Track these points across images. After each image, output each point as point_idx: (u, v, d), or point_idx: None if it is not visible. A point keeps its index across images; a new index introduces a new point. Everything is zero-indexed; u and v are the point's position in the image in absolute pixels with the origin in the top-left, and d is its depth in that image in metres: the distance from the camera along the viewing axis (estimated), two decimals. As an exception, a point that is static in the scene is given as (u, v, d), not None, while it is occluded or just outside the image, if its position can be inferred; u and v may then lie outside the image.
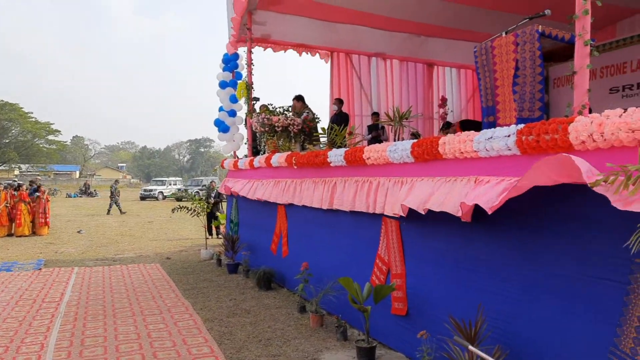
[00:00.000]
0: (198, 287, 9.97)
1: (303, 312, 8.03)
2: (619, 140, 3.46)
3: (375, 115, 12.78)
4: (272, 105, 10.29)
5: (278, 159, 8.96)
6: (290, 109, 10.10)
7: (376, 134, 11.78)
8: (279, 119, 9.42)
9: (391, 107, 13.47)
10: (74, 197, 53.56)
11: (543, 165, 3.65)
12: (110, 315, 7.98)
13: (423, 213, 5.00)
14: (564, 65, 7.81)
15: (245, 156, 11.58)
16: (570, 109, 4.32)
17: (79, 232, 19.75)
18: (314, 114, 9.56)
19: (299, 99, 10.17)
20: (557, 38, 5.23)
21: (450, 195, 4.67)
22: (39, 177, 36.39)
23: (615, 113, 3.56)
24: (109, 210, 30.74)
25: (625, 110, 3.57)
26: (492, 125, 5.42)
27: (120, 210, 31.50)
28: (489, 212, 4.09)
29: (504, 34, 5.44)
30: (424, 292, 5.58)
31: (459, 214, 4.48)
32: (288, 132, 9.56)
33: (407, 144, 5.34)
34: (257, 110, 11.08)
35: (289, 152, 8.71)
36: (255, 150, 11.69)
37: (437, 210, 4.73)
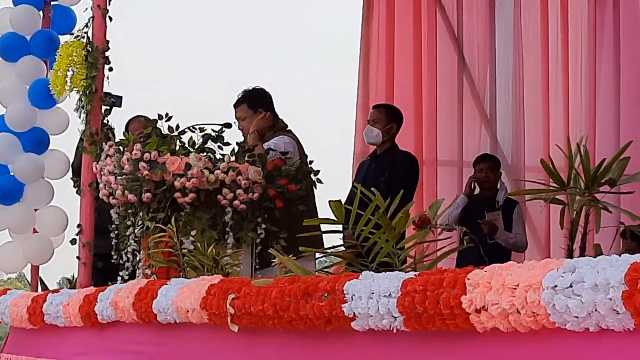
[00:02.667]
0: None
1: None
2: None
3: (488, 162, 7.44)
4: (165, 122, 5.65)
5: (179, 300, 4.40)
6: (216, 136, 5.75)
7: (493, 217, 6.90)
8: (191, 167, 5.18)
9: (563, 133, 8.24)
10: None
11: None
12: None
13: None
14: None
15: (69, 281, 6.83)
16: None
17: None
18: (303, 151, 5.84)
19: (251, 100, 6.02)
20: None
21: None
22: None
23: None
24: None
25: None
26: None
27: None
28: None
29: None
30: None
31: None
32: (219, 209, 5.26)
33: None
34: (117, 136, 6.39)
35: (216, 280, 4.44)
36: (103, 267, 6.45)
37: None
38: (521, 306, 2.42)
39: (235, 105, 5.84)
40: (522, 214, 6.54)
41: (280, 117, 5.88)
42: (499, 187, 6.61)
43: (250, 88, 5.96)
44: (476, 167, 6.75)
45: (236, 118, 5.81)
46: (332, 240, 4.63)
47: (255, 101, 5.85)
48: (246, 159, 5.25)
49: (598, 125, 7.61)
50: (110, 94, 5.94)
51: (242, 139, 5.73)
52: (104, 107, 5.91)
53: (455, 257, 6.16)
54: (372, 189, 4.14)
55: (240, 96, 5.90)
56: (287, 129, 5.83)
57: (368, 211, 3.77)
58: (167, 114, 5.38)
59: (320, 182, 5.46)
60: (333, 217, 4.02)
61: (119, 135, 6.07)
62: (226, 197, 4.97)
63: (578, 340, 2.44)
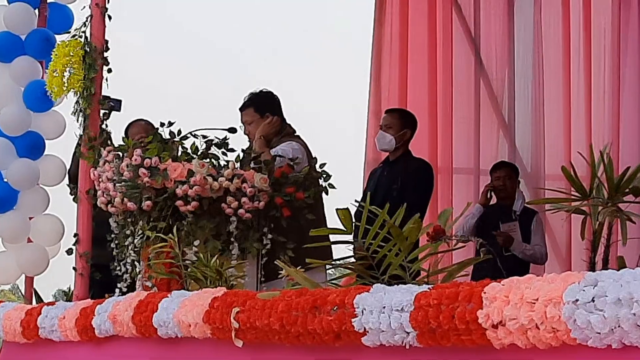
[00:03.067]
0: None
1: None
2: None
3: (505, 169, 7.55)
4: (165, 127, 5.66)
5: (181, 314, 4.34)
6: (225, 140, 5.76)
7: (509, 227, 7.01)
8: (194, 174, 5.16)
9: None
10: None
11: None
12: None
13: None
14: None
15: (65, 293, 6.89)
16: None
17: None
18: (312, 158, 5.80)
19: (258, 103, 6.07)
20: None
21: None
22: None
23: None
24: None
25: None
26: None
27: None
28: None
29: None
30: None
31: None
32: (223, 218, 5.25)
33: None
34: (116, 141, 6.22)
35: (220, 292, 4.41)
36: (100, 278, 6.35)
37: None
38: (540, 321, 2.41)
39: (241, 109, 5.86)
40: (542, 224, 6.50)
41: (288, 121, 5.91)
42: (517, 196, 6.57)
43: (258, 91, 5.97)
44: (493, 174, 6.72)
45: (242, 122, 5.82)
46: (342, 251, 4.60)
47: (262, 105, 5.86)
48: (252, 165, 5.28)
49: (622, 131, 7.56)
50: (109, 97, 5.98)
51: (247, 144, 5.82)
52: (102, 111, 6.03)
53: (471, 270, 6.16)
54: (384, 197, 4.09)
55: (246, 99, 5.90)
56: (295, 134, 5.83)
57: (378, 221, 3.75)
58: (169, 122, 5.46)
59: (333, 187, 5.43)
60: (342, 227, 4.02)
61: (116, 140, 6.09)
62: (230, 206, 4.96)
63: (600, 357, 2.43)
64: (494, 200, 6.80)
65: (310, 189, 5.35)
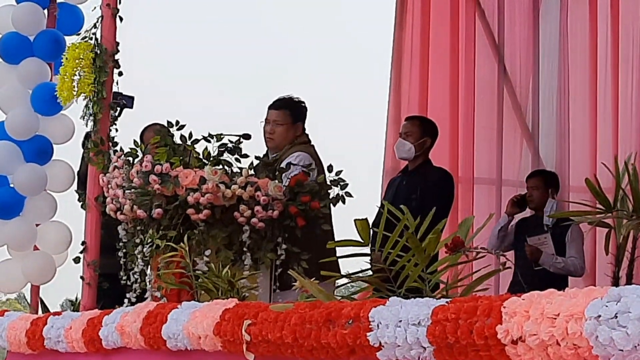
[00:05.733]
0: None
1: None
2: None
3: (534, 179, 7.52)
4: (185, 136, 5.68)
5: (191, 326, 4.37)
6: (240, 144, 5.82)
7: (539, 240, 6.93)
8: (206, 181, 5.17)
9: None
10: None
11: None
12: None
13: None
14: None
15: (71, 303, 6.89)
16: None
17: None
18: (321, 165, 5.86)
19: (295, 110, 6.12)
20: None
21: None
22: None
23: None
24: None
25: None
26: None
27: None
28: None
29: None
30: None
31: None
32: (235, 227, 5.26)
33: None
34: (126, 146, 6.18)
35: (232, 304, 4.44)
36: (108, 288, 6.36)
37: None
38: (561, 337, 2.40)
39: (274, 107, 5.91)
40: (580, 235, 6.34)
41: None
42: (548, 207, 6.50)
43: (296, 98, 6.06)
44: (526, 184, 6.72)
45: (268, 120, 5.85)
46: (357, 263, 4.61)
47: (298, 113, 5.96)
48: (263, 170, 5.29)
49: (649, 142, 7.48)
50: (121, 93, 6.01)
51: (260, 151, 5.79)
52: (113, 112, 6.03)
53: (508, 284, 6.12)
54: (402, 206, 4.10)
55: (283, 101, 5.97)
56: (310, 143, 5.92)
57: (396, 232, 3.71)
58: (177, 122, 5.45)
59: (350, 195, 5.43)
60: (358, 238, 3.99)
61: (128, 143, 6.06)
62: (243, 215, 4.98)
63: (623, 375, 2.38)
64: (527, 211, 6.91)
65: (325, 199, 5.39)
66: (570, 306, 2.32)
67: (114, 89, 6.02)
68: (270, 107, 6.03)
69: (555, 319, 2.42)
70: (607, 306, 2.20)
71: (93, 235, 5.85)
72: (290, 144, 5.84)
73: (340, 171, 5.44)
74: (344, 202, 5.51)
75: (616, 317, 2.15)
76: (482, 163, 8.45)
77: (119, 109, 6.06)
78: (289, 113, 5.93)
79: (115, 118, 6.05)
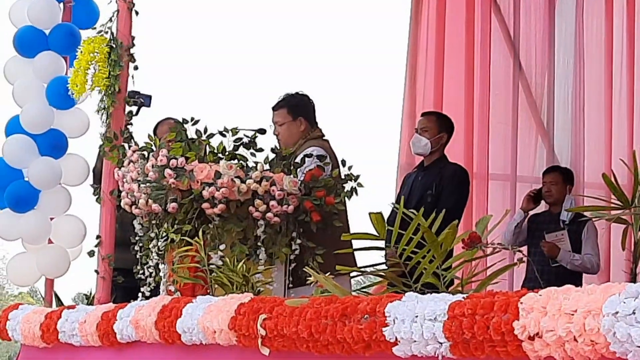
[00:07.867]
0: None
1: None
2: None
3: (551, 175, 7.38)
4: (194, 129, 5.64)
5: (206, 320, 4.34)
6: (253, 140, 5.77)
7: (556, 237, 6.85)
8: (221, 176, 5.11)
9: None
10: None
11: None
12: None
13: None
14: None
15: (86, 296, 6.71)
16: None
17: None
18: (335, 159, 5.75)
19: (292, 105, 6.06)
20: None
21: None
22: None
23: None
24: None
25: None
26: None
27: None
28: None
29: None
30: None
31: None
32: (250, 222, 5.20)
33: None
34: (141, 140, 6.06)
35: (246, 298, 4.40)
36: (123, 282, 6.37)
37: None
38: (579, 334, 2.38)
39: (274, 109, 5.83)
40: (595, 232, 6.42)
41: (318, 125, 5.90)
42: (570, 203, 6.42)
43: (293, 93, 5.96)
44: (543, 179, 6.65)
45: (273, 122, 5.81)
46: (372, 257, 4.56)
47: (296, 107, 5.84)
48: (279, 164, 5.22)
49: (666, 137, 7.43)
50: (138, 92, 5.99)
51: (276, 144, 5.79)
52: (130, 108, 5.98)
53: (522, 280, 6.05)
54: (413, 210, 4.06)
55: (281, 99, 5.87)
56: (323, 138, 5.84)
57: (411, 227, 3.68)
58: (192, 118, 5.40)
59: (362, 185, 5.41)
60: (373, 232, 3.95)
61: (143, 138, 6.02)
62: (258, 209, 4.93)
63: (640, 372, 2.38)
64: (545, 207, 6.74)
65: (341, 194, 5.33)
66: (588, 302, 2.31)
67: (130, 84, 5.95)
68: (272, 109, 6.03)
69: (573, 315, 2.40)
70: (625, 302, 2.19)
71: (108, 229, 5.83)
72: (302, 139, 5.79)
73: (351, 166, 5.44)
74: (356, 194, 5.48)
75: (634, 313, 2.14)
76: (497, 159, 8.36)
77: (136, 107, 6.02)
78: (287, 111, 5.89)
79: (132, 116, 6.02)
